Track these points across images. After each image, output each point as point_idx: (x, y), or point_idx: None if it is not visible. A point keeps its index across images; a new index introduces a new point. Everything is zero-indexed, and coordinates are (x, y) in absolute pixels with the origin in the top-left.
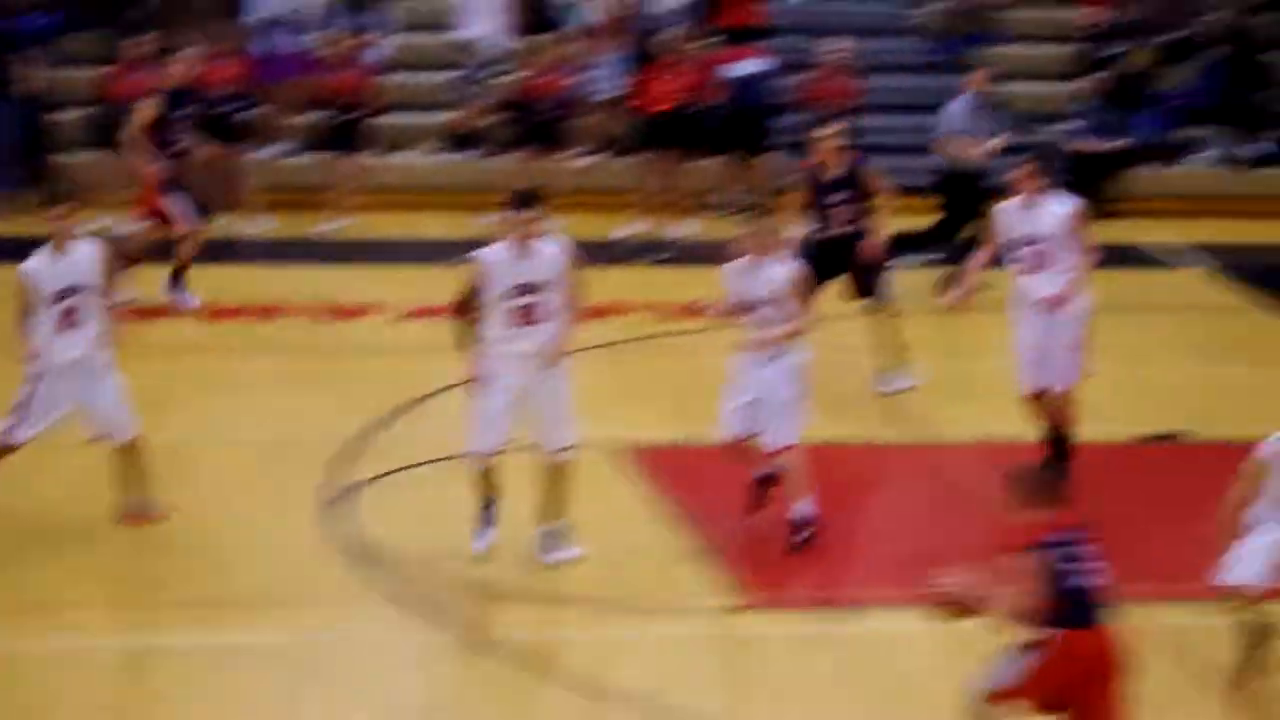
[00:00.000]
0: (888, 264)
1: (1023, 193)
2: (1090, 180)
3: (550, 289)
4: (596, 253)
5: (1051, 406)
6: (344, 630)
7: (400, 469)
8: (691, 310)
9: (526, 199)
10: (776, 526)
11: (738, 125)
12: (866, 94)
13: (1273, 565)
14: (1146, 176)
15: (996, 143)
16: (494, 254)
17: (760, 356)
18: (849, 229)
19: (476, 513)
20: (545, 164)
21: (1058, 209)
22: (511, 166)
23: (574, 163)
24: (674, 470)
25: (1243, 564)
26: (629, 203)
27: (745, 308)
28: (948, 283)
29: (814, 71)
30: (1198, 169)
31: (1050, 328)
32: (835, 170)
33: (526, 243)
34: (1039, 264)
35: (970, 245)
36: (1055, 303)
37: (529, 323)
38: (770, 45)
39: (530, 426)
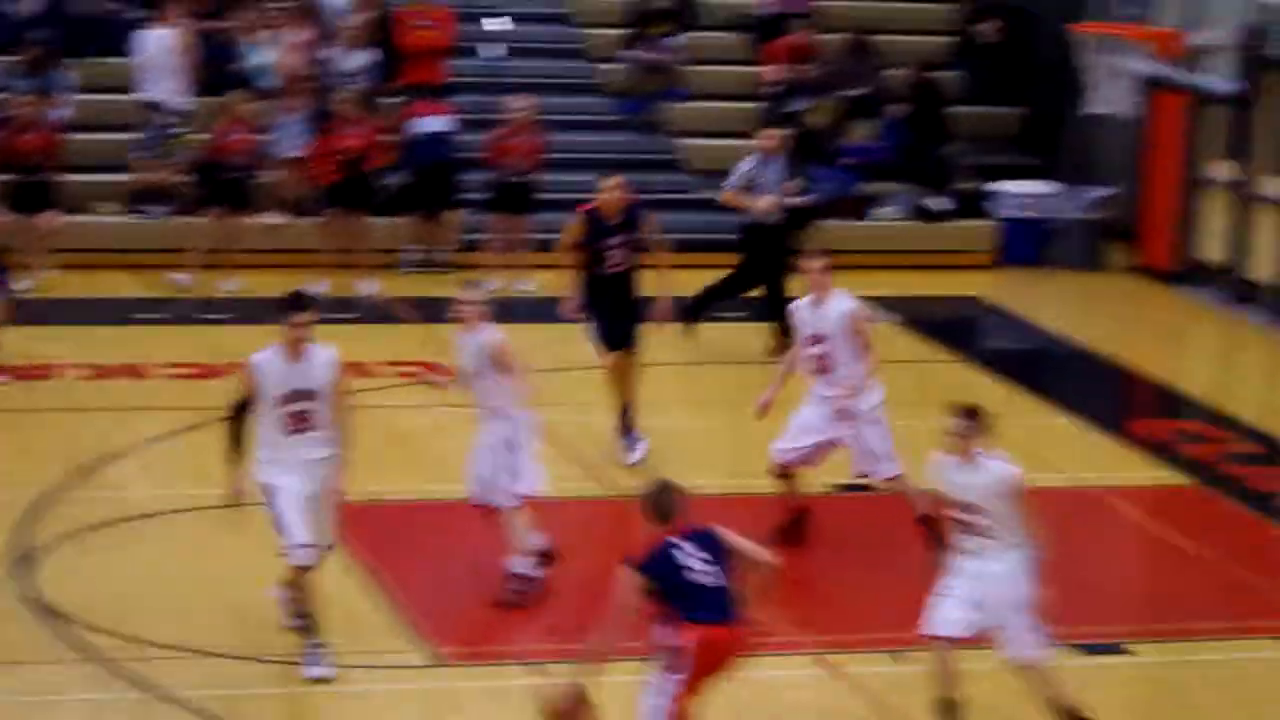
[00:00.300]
0: (644, 317)
1: (814, 290)
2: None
3: (322, 396)
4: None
5: (911, 498)
6: (30, 690)
7: (87, 527)
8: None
9: (298, 303)
10: (474, 582)
11: (422, 183)
12: (550, 151)
13: (963, 613)
14: (832, 230)
15: (780, 198)
16: (266, 359)
17: (487, 424)
18: (621, 267)
19: (300, 634)
20: (232, 223)
21: (841, 306)
22: (198, 226)
23: (260, 222)
24: (365, 527)
25: (938, 612)
26: (314, 262)
27: (467, 377)
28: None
29: (499, 129)
30: (883, 223)
31: (844, 427)
32: (615, 216)
33: (298, 348)
34: (824, 365)
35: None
36: (844, 413)
37: (301, 430)
38: (454, 102)
39: None
